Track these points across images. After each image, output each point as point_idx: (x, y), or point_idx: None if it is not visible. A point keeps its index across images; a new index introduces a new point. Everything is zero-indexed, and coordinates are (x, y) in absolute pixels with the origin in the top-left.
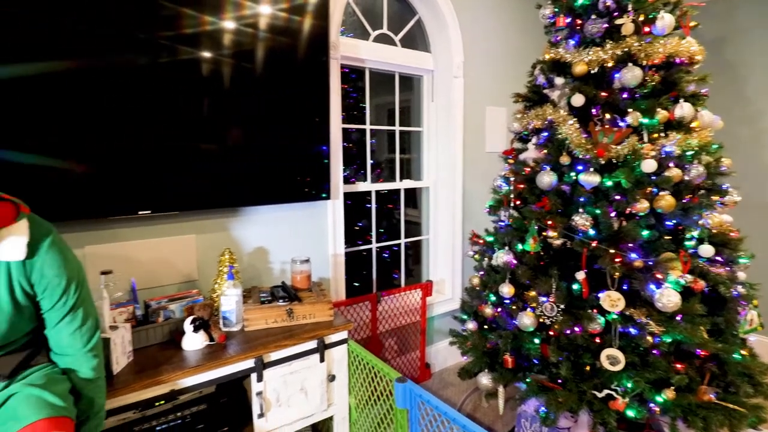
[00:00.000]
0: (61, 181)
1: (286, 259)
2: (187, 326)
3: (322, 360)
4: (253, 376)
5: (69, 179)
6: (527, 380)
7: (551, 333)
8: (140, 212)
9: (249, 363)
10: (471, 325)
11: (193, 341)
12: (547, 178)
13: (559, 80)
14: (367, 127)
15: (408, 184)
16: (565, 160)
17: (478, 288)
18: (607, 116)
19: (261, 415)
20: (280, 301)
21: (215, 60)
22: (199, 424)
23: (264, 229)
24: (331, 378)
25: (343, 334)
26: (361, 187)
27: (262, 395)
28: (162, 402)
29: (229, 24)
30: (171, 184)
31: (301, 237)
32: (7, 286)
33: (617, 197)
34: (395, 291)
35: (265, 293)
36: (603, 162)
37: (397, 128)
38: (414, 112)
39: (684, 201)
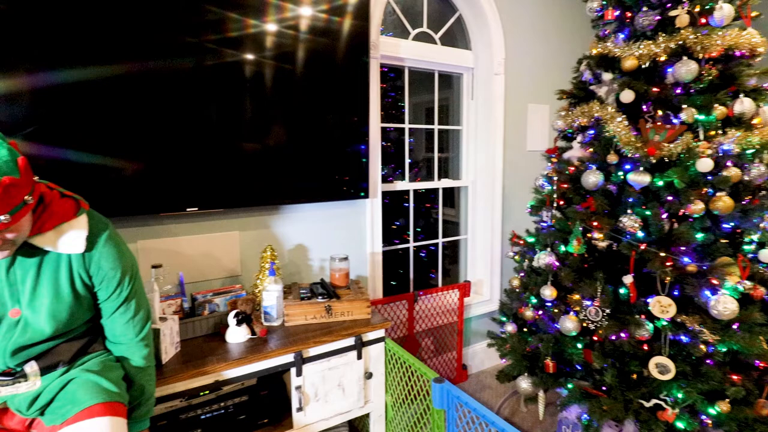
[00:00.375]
0: (117, 180)
1: (325, 257)
2: (231, 320)
3: (359, 357)
4: (293, 370)
5: (124, 178)
6: (569, 386)
7: (595, 338)
8: (188, 209)
9: (289, 357)
10: (510, 328)
11: (237, 334)
12: (593, 178)
13: (606, 76)
14: (406, 126)
15: (446, 183)
16: (612, 158)
17: (518, 290)
18: (659, 113)
19: (300, 409)
20: (319, 297)
21: (257, 62)
22: (240, 415)
23: (304, 227)
24: (368, 375)
25: (380, 332)
26: (399, 186)
27: (301, 389)
28: (207, 392)
29: (271, 27)
30: (216, 183)
31: (340, 235)
32: (68, 276)
33: (669, 198)
34: (432, 291)
35: (304, 290)
36: (654, 161)
37: (436, 127)
38: (453, 111)
39: (743, 203)
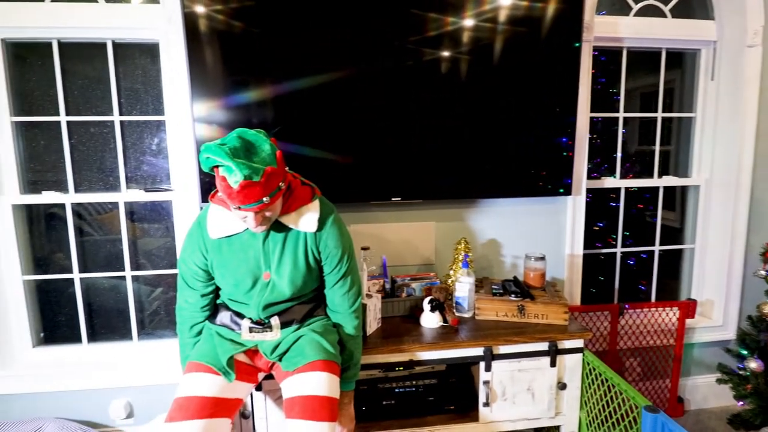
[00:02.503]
0: (338, 172)
1: (518, 254)
2: (426, 305)
3: (552, 365)
4: (482, 364)
5: (343, 170)
6: None
7: None
8: (392, 199)
9: (478, 351)
10: (754, 365)
11: (430, 320)
12: None
13: None
14: (620, 114)
15: (669, 181)
16: None
17: None
18: None
19: (486, 404)
20: (512, 296)
21: (455, 58)
22: (429, 396)
23: (498, 222)
24: (562, 386)
25: (578, 342)
26: (607, 183)
27: (489, 385)
28: (401, 368)
29: (469, 22)
30: (417, 176)
31: (536, 233)
32: (304, 251)
33: None
34: (643, 305)
35: (496, 285)
36: None
37: (660, 115)
38: (680, 95)
39: None
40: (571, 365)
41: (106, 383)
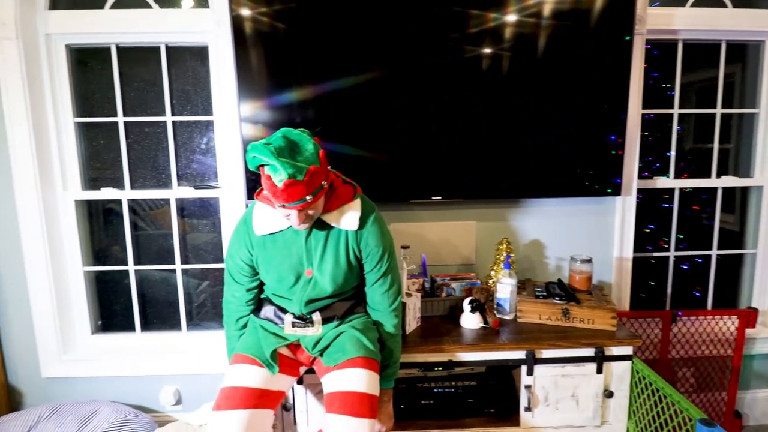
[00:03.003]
0: (378, 171)
1: (563, 256)
2: (466, 306)
3: (599, 371)
4: (523, 368)
5: (383, 169)
6: None
7: None
8: (433, 197)
9: (520, 354)
10: None
11: (470, 321)
12: None
13: None
14: (675, 111)
15: (729, 181)
16: None
17: None
18: None
19: (528, 409)
20: (556, 299)
21: (497, 54)
22: (468, 398)
23: (541, 222)
24: (608, 394)
25: (627, 349)
26: (660, 183)
27: (531, 389)
28: (440, 368)
29: (512, 17)
30: (458, 175)
31: (582, 234)
32: (345, 249)
33: None
34: (698, 312)
35: (540, 288)
36: None
37: (719, 111)
38: (741, 90)
39: None
40: (619, 373)
41: (156, 370)
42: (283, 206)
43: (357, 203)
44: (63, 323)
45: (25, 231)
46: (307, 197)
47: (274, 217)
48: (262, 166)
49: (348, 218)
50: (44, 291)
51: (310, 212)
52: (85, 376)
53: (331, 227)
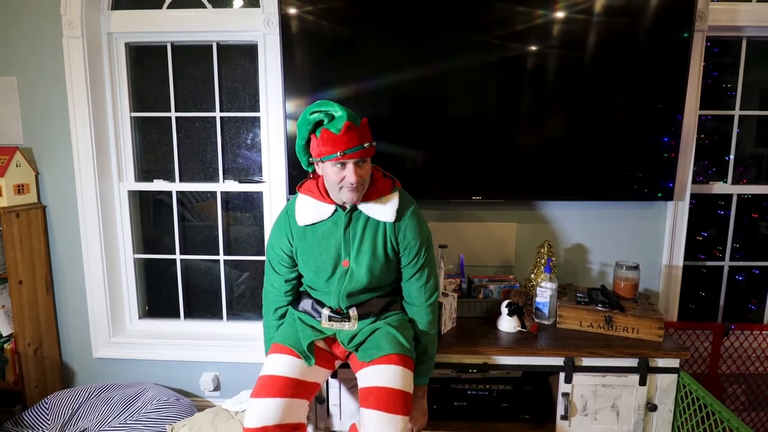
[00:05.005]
0: (417, 168)
1: (607, 261)
2: (503, 308)
3: (642, 383)
4: (561, 375)
5: (422, 167)
6: None
7: None
8: (473, 197)
9: (558, 360)
10: None
11: (507, 324)
12: None
13: None
14: (736, 112)
15: None
16: None
17: None
18: None
19: (564, 418)
20: (599, 305)
21: (541, 53)
22: (503, 402)
23: (585, 226)
24: (651, 407)
25: (673, 362)
26: (716, 188)
27: (569, 398)
28: (474, 370)
29: (560, 14)
30: (499, 175)
31: (629, 240)
32: (383, 240)
33: None
34: (753, 326)
35: (581, 293)
36: None
37: None
38: None
39: None
40: (664, 386)
41: (198, 356)
42: (344, 154)
43: (395, 195)
44: (114, 308)
45: (84, 220)
46: (365, 144)
47: (316, 208)
48: (313, 134)
49: (386, 209)
50: (98, 277)
51: (361, 173)
52: (132, 358)
53: (369, 219)
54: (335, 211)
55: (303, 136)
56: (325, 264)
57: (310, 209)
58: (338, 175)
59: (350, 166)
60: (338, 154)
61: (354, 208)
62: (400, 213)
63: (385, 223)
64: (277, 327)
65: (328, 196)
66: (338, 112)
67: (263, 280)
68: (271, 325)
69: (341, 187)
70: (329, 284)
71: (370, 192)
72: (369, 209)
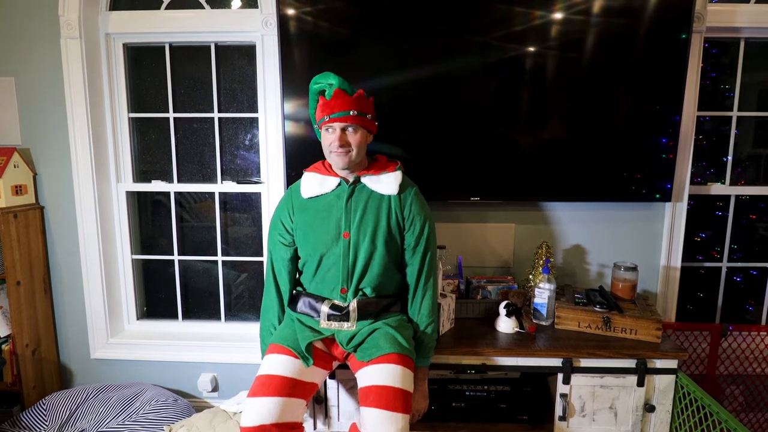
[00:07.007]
0: (415, 169)
1: (605, 262)
2: (502, 309)
3: (640, 384)
4: (560, 376)
5: (420, 168)
6: None
7: None
8: (471, 198)
9: (556, 361)
10: None
11: (505, 325)
12: None
13: None
14: (734, 114)
15: None
16: None
17: None
18: None
19: (563, 418)
20: (597, 306)
21: (540, 54)
22: (501, 403)
23: (583, 227)
24: (649, 408)
25: (671, 363)
26: (714, 189)
27: (567, 398)
28: (472, 371)
29: (559, 15)
30: (497, 176)
31: (627, 241)
32: (387, 211)
33: None
34: (750, 327)
35: (580, 294)
36: None
37: None
38: None
39: None
40: (662, 387)
41: (196, 357)
42: (330, 118)
43: (398, 173)
44: (112, 308)
45: (82, 221)
46: (352, 111)
47: (320, 181)
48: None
49: (389, 181)
50: (96, 277)
51: (350, 140)
52: (130, 359)
53: (372, 193)
54: (339, 184)
55: (312, 105)
56: (324, 237)
57: (314, 182)
58: (327, 139)
59: (337, 129)
60: (326, 117)
61: (357, 180)
62: (403, 188)
63: (389, 197)
64: (277, 308)
65: (333, 171)
66: (332, 81)
67: (262, 280)
68: (271, 303)
69: (330, 152)
70: (328, 265)
71: (372, 165)
72: (372, 182)
